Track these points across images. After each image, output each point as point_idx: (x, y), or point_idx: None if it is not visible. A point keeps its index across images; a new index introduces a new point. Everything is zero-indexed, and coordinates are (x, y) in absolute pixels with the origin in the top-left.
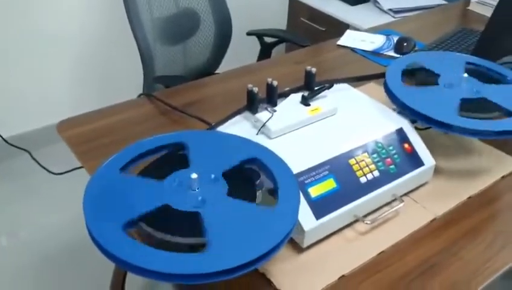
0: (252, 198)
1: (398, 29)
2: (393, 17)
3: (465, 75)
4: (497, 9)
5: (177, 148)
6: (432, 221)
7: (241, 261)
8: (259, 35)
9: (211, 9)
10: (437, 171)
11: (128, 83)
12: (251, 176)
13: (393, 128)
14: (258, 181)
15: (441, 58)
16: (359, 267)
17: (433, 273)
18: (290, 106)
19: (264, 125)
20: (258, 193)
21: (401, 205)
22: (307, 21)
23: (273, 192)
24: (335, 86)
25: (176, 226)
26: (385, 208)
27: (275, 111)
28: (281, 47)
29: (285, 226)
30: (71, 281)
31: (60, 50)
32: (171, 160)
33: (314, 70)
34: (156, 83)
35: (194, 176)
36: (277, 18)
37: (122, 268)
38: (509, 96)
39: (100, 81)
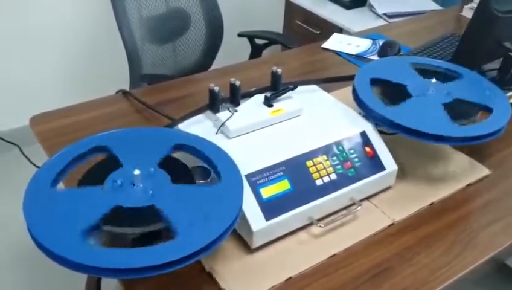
0: (191, 181)
1: (388, 33)
2: (387, 21)
3: (434, 80)
4: (475, 16)
5: (101, 151)
6: (389, 226)
7: (210, 239)
8: (250, 36)
9: (202, 10)
10: (402, 176)
11: (124, 81)
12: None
13: (356, 131)
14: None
15: (390, 64)
16: (309, 269)
17: (384, 278)
18: (252, 106)
19: (223, 124)
20: (197, 176)
21: (359, 208)
22: (301, 24)
23: (210, 172)
24: (304, 87)
25: (136, 224)
26: (343, 212)
27: (236, 111)
28: (274, 49)
29: (235, 201)
30: (59, 274)
31: (51, 45)
32: (101, 165)
33: (279, 71)
34: (141, 81)
35: (137, 172)
36: (273, 20)
37: (88, 274)
38: (475, 91)
39: (91, 77)
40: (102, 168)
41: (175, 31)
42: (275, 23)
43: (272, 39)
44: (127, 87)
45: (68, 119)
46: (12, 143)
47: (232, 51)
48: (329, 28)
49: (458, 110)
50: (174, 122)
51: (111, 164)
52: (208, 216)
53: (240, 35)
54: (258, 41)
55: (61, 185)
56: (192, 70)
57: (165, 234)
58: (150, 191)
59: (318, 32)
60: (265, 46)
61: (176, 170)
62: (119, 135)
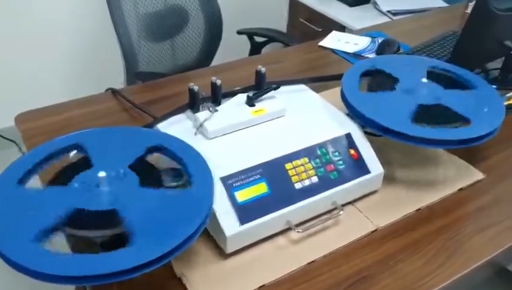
0: (159, 184)
1: (389, 31)
2: (391, 19)
3: (424, 80)
4: (473, 14)
5: (74, 150)
6: (372, 232)
7: (165, 250)
8: (250, 34)
9: (200, 6)
10: (390, 180)
11: (122, 79)
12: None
13: (340, 133)
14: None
15: (404, 62)
16: (285, 276)
17: (364, 286)
18: (234, 106)
19: (201, 125)
20: (168, 178)
21: (341, 213)
22: (305, 22)
23: (183, 175)
24: (292, 87)
25: (96, 227)
26: (325, 216)
27: (216, 110)
28: (275, 46)
29: (202, 209)
30: None
31: (48, 43)
32: (73, 164)
33: (263, 70)
34: (137, 79)
35: (102, 174)
36: (275, 18)
37: (42, 280)
38: (469, 102)
39: (90, 75)
40: (74, 167)
41: (172, 28)
42: (278, 21)
43: (271, 37)
44: (123, 86)
45: (54, 118)
46: (11, 140)
47: (232, 49)
48: (332, 26)
49: (436, 114)
50: (153, 121)
51: (83, 163)
52: (171, 222)
53: (239, 32)
54: (258, 39)
55: (38, 185)
56: (190, 69)
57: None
58: (115, 194)
59: (320, 30)
60: (265, 43)
61: (145, 173)
62: (96, 134)
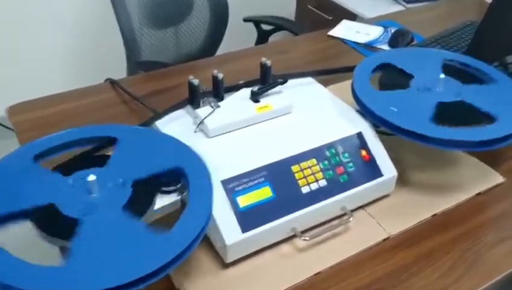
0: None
1: (403, 20)
2: (405, 7)
3: (442, 75)
4: (494, 4)
5: (105, 143)
6: (384, 240)
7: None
8: (257, 21)
9: None
10: (403, 183)
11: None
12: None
13: (351, 132)
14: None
15: (420, 56)
16: (289, 288)
17: None
18: (237, 101)
19: (201, 122)
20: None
21: (351, 219)
22: (314, 9)
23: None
24: (298, 80)
25: (56, 229)
26: (333, 222)
27: (218, 106)
28: (282, 35)
29: (200, 217)
30: None
31: (48, 32)
32: (90, 157)
33: (269, 62)
34: (138, 69)
35: (92, 178)
36: (283, 4)
37: None
38: (492, 98)
39: (93, 64)
40: (88, 160)
41: (176, 14)
42: (286, 8)
43: (278, 25)
44: (125, 76)
45: (49, 110)
46: (11, 129)
47: (238, 37)
48: (342, 14)
49: (459, 113)
50: (152, 118)
51: (100, 159)
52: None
53: (246, 20)
54: (265, 27)
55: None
56: (194, 57)
57: None
58: (92, 204)
59: (330, 18)
60: (272, 31)
61: (144, 193)
62: (133, 133)
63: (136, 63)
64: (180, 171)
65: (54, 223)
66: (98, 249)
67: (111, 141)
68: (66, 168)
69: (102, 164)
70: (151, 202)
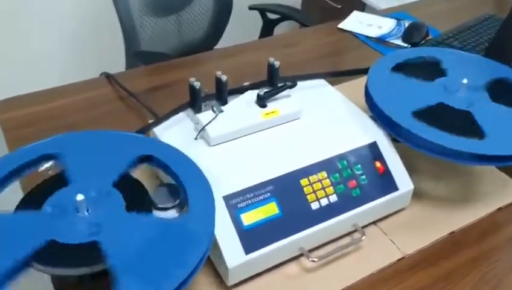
0: (148, 207)
1: (418, 12)
2: None
3: (465, 81)
4: None
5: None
6: (399, 260)
7: None
8: (262, 10)
9: None
10: (419, 195)
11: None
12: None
13: (364, 141)
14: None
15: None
16: None
17: None
18: (242, 106)
19: (203, 129)
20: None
21: (363, 238)
22: None
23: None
24: (308, 82)
25: (74, 263)
26: (343, 241)
27: (221, 111)
28: (289, 25)
29: (200, 242)
30: None
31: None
32: (48, 181)
33: (277, 64)
34: (137, 60)
35: (80, 197)
36: None
37: None
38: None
39: (90, 57)
40: (48, 184)
41: (178, 1)
42: None
43: (285, 14)
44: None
45: (40, 106)
46: None
47: (242, 26)
48: (352, 3)
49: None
50: (149, 124)
51: (59, 179)
52: (163, 259)
53: (251, 8)
54: (271, 15)
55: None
56: (196, 47)
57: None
58: (96, 222)
59: (340, 6)
60: (279, 21)
61: (133, 192)
62: (75, 140)
63: (135, 54)
64: (176, 186)
65: (66, 257)
66: (138, 260)
67: (51, 157)
68: (30, 202)
69: (61, 184)
70: (145, 192)
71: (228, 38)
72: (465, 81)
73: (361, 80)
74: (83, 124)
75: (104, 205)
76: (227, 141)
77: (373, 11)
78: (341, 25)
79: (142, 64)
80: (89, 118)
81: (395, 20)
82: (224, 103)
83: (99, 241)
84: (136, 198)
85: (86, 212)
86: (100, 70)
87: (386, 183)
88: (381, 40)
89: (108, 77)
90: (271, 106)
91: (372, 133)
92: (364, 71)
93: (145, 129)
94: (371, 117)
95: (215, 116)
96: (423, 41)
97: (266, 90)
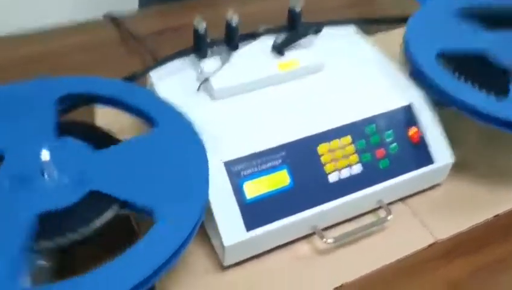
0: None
1: None
2: None
3: None
4: None
5: None
6: (430, 246)
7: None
8: None
9: None
10: (459, 170)
11: None
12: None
13: (398, 103)
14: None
15: None
16: None
17: None
18: (255, 54)
19: (207, 79)
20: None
21: (389, 218)
22: None
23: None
24: (336, 29)
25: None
26: (366, 219)
27: (229, 59)
28: None
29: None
30: None
31: None
32: None
33: (299, 8)
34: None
35: (45, 156)
36: None
37: None
38: None
39: None
40: None
41: None
42: None
43: None
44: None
45: (35, 47)
46: None
47: None
48: None
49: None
50: (148, 68)
51: None
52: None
53: None
54: None
55: None
56: None
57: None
58: (73, 175)
59: None
60: None
61: (85, 133)
62: None
63: None
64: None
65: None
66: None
67: None
68: None
69: None
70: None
71: None
72: None
73: (401, 31)
74: (78, 67)
75: (68, 159)
76: (234, 95)
77: None
78: None
79: (156, 3)
80: (84, 62)
81: None
82: (234, 48)
83: (99, 189)
84: (95, 135)
85: (54, 170)
86: (111, 7)
87: (420, 154)
88: None
89: (112, 18)
90: (289, 55)
91: (409, 94)
92: (404, 20)
93: (137, 76)
94: (411, 76)
95: (223, 65)
96: None
97: (285, 36)
